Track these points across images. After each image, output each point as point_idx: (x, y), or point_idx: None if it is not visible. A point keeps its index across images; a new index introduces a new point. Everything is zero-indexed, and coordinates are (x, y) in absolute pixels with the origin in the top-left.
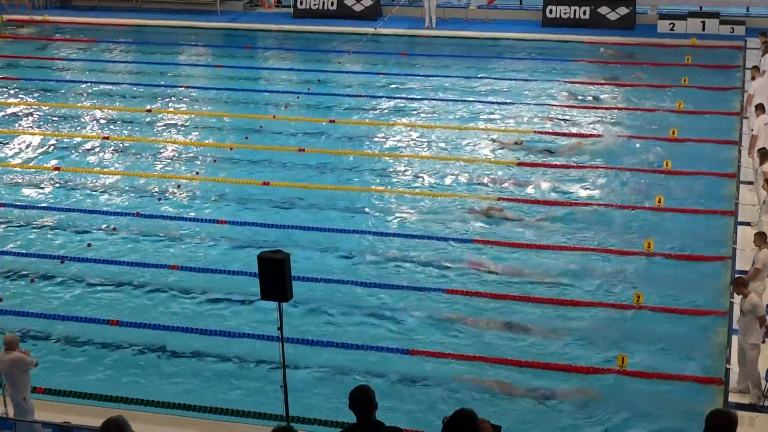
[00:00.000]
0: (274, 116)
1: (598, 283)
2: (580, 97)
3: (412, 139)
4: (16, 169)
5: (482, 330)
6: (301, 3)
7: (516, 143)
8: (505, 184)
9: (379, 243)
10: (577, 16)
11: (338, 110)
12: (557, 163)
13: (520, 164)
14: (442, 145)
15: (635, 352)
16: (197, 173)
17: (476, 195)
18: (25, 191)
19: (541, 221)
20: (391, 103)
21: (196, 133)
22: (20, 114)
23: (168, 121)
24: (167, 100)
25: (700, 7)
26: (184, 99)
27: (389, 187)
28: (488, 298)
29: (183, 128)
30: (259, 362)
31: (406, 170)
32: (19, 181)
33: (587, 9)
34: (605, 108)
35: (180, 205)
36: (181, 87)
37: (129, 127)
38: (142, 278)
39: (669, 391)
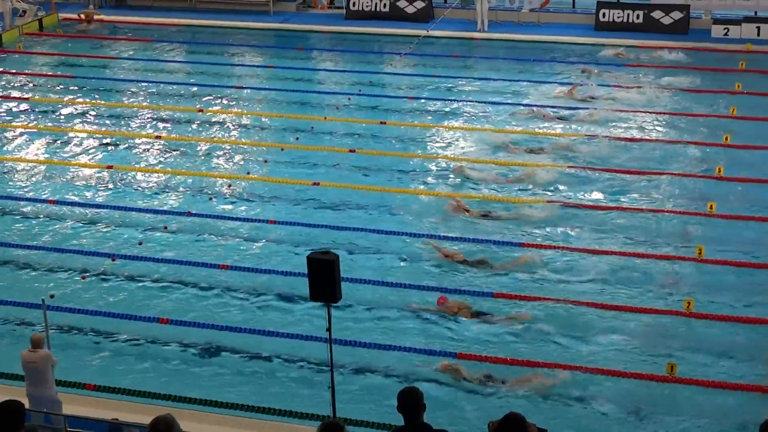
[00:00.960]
0: (326, 117)
1: (650, 289)
2: (630, 102)
3: (463, 142)
4: (69, 166)
5: (533, 335)
6: (354, 4)
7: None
8: (560, 187)
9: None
10: (630, 20)
11: (389, 112)
12: (609, 168)
13: (571, 167)
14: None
15: (689, 361)
16: (248, 173)
17: (529, 199)
18: (78, 188)
19: (594, 225)
20: (443, 105)
21: (248, 133)
22: (75, 112)
23: (219, 121)
24: (219, 99)
25: (755, 12)
26: (236, 99)
27: (440, 189)
28: (544, 301)
29: (234, 128)
30: (307, 363)
31: (448, 171)
32: (73, 178)
33: (641, 13)
34: (658, 113)
35: (231, 205)
36: (233, 87)
37: (181, 127)
38: (192, 277)
39: (723, 400)
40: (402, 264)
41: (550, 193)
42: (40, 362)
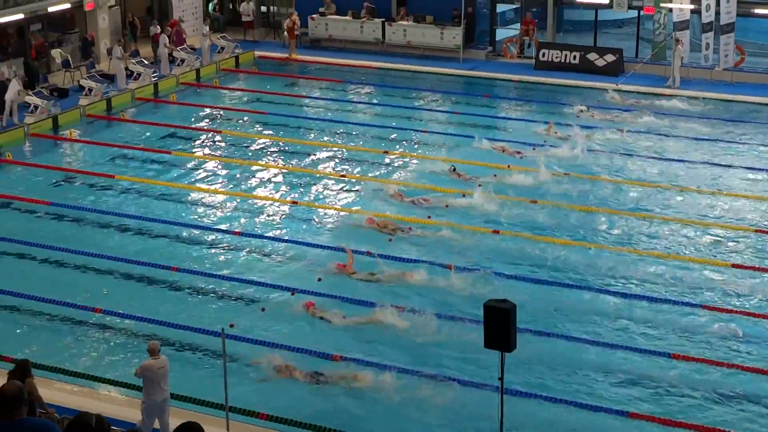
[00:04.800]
0: (509, 166)
1: None
2: None
3: (650, 199)
4: (257, 200)
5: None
6: (543, 55)
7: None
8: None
9: (606, 302)
10: None
11: (575, 164)
12: None
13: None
14: (687, 205)
15: None
16: (429, 217)
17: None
18: (263, 222)
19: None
20: (622, 159)
21: (430, 177)
22: (265, 148)
23: (402, 164)
24: (404, 142)
25: None
26: (421, 143)
27: (628, 246)
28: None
29: (417, 172)
30: (473, 412)
31: (645, 231)
32: (259, 211)
33: None
34: None
35: (410, 248)
36: (419, 131)
37: (365, 167)
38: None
39: None
40: (573, 318)
41: None
42: (167, 366)
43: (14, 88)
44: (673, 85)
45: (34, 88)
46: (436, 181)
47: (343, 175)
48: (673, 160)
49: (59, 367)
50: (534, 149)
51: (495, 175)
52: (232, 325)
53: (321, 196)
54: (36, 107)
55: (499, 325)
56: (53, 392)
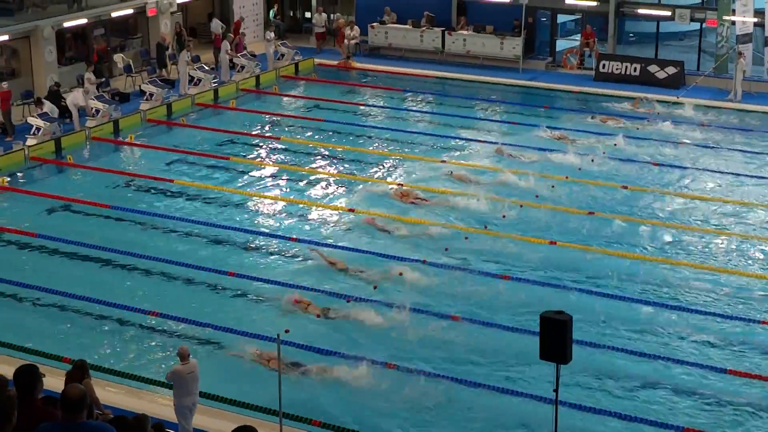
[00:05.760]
0: (567, 177)
1: None
2: None
3: (704, 211)
4: (314, 207)
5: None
6: (604, 66)
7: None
8: None
9: (664, 316)
10: None
11: (632, 177)
12: None
13: None
14: (744, 219)
15: None
16: (485, 227)
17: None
18: (319, 229)
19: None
20: (683, 173)
21: (486, 187)
22: (320, 155)
23: (459, 174)
24: (461, 152)
25: None
26: (478, 152)
27: (679, 259)
28: None
29: (474, 182)
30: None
31: (697, 243)
32: (314, 218)
33: None
34: None
35: (464, 258)
36: (477, 141)
37: (422, 177)
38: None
39: None
40: (631, 332)
41: None
42: (197, 370)
43: (79, 93)
44: (735, 99)
45: (97, 93)
46: (486, 190)
47: (400, 184)
48: (731, 173)
49: (114, 369)
50: (593, 161)
51: (553, 186)
52: (287, 331)
53: (377, 206)
54: (98, 111)
55: (555, 336)
56: (107, 393)
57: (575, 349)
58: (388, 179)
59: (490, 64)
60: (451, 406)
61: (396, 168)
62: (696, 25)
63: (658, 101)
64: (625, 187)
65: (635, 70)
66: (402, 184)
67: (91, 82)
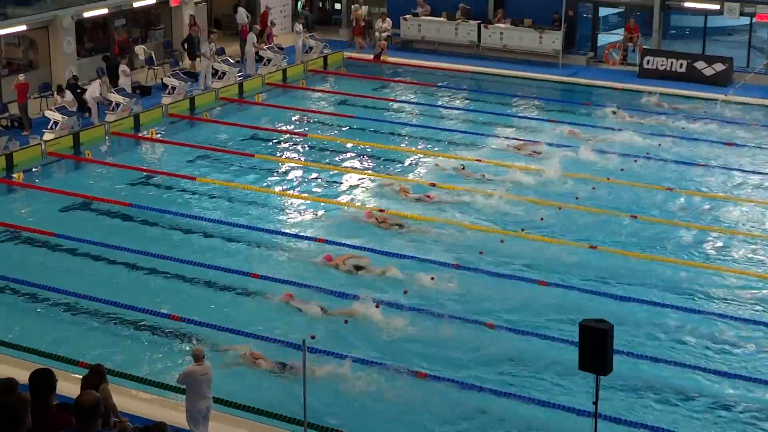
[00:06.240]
0: (608, 179)
1: None
2: None
3: (752, 216)
4: (341, 207)
5: None
6: (648, 62)
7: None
8: None
9: (709, 325)
10: None
11: (675, 179)
12: None
13: None
14: None
15: None
16: (522, 229)
17: None
18: (347, 230)
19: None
20: (729, 174)
21: (523, 189)
22: (349, 153)
23: (493, 173)
24: (496, 151)
25: None
26: (513, 151)
27: (727, 265)
28: None
29: (508, 182)
30: None
31: (745, 249)
32: (342, 218)
33: None
34: None
35: (500, 263)
36: (512, 139)
37: (454, 176)
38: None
39: None
40: (674, 340)
41: None
42: (210, 372)
43: (96, 87)
44: None
45: (116, 86)
46: (520, 191)
47: (432, 184)
48: None
49: (133, 375)
50: (636, 161)
51: (593, 188)
52: (313, 337)
53: (408, 206)
54: (117, 105)
55: (595, 346)
56: (124, 399)
57: (615, 359)
58: (420, 179)
59: (528, 59)
60: (484, 417)
61: (427, 167)
62: (746, 20)
63: (704, 99)
64: (670, 189)
65: (681, 66)
66: (434, 184)
67: (127, 74)
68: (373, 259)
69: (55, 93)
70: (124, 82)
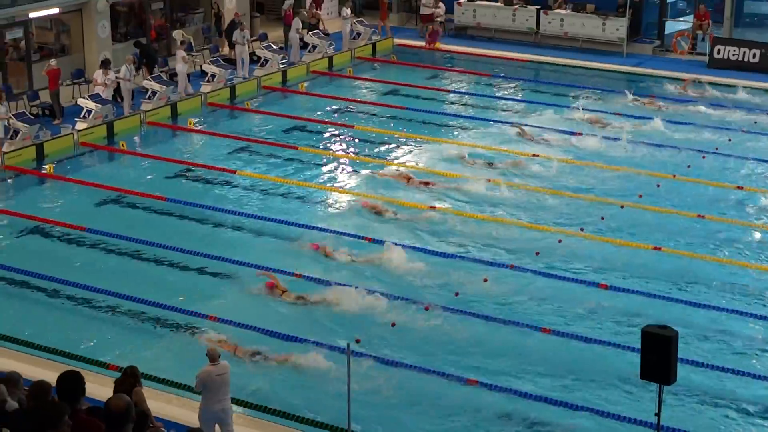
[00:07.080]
0: (674, 176)
1: None
2: None
3: None
4: (388, 203)
5: None
6: (719, 52)
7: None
8: None
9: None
10: None
11: (746, 176)
12: None
13: None
14: None
15: None
16: (581, 229)
17: None
18: (396, 228)
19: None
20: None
21: (583, 186)
22: (397, 145)
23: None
24: (566, 146)
25: None
26: (571, 147)
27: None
28: None
29: (563, 177)
30: None
31: None
32: (390, 215)
33: None
34: None
35: (559, 264)
36: (570, 133)
37: (513, 171)
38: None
39: None
40: (739, 350)
41: None
42: (228, 372)
43: (124, 71)
44: None
45: (153, 72)
46: (578, 189)
47: (488, 180)
48: None
49: (167, 379)
50: (704, 157)
51: (659, 185)
52: (358, 341)
53: (464, 204)
54: (154, 93)
55: (659, 354)
56: (160, 404)
57: (679, 367)
58: (476, 174)
59: (591, 47)
60: (538, 430)
61: (483, 162)
62: None
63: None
64: (740, 188)
65: (754, 56)
66: (490, 180)
67: (186, 60)
68: (424, 260)
69: (100, 70)
70: (181, 69)
